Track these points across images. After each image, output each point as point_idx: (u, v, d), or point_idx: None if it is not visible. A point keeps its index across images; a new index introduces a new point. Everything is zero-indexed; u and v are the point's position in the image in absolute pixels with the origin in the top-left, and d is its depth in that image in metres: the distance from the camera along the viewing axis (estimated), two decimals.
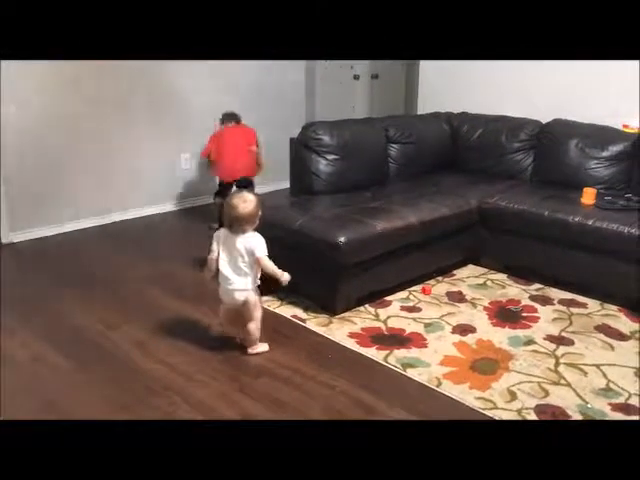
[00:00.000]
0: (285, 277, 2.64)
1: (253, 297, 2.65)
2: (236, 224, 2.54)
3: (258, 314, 2.69)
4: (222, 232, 2.62)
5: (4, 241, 4.11)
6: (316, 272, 3.08)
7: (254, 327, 2.68)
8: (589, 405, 2.35)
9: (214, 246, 2.62)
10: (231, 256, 2.58)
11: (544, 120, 4.08)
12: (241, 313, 2.67)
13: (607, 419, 2.28)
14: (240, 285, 2.59)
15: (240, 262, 2.57)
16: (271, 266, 2.60)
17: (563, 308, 3.21)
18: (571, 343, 2.84)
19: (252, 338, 2.71)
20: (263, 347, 2.74)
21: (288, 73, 5.62)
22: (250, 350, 2.72)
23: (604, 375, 2.57)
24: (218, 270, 2.62)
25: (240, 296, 2.61)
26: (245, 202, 2.53)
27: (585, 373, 2.59)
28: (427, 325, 3.00)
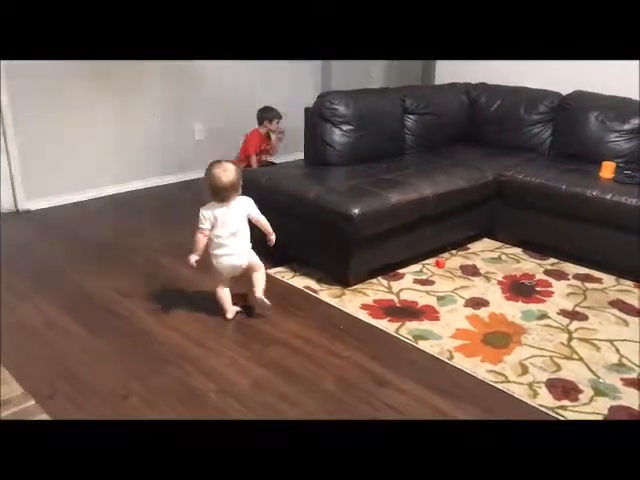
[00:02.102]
0: (273, 237, 2.74)
1: (254, 257, 2.73)
2: (222, 193, 2.58)
3: (262, 268, 2.76)
4: (210, 207, 2.63)
5: (20, 209, 4.14)
6: (329, 244, 3.07)
7: (261, 274, 2.75)
8: (601, 380, 2.35)
9: (204, 223, 2.62)
10: (228, 225, 2.62)
11: (564, 92, 4.00)
12: (245, 276, 2.74)
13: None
14: (242, 249, 2.67)
15: (238, 228, 2.64)
16: (265, 222, 2.72)
17: (578, 283, 3.19)
18: (585, 318, 2.83)
19: (262, 285, 2.74)
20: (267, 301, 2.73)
21: None
22: (260, 295, 2.71)
23: (617, 350, 2.56)
24: (208, 247, 2.67)
25: (243, 260, 2.68)
26: (226, 171, 2.57)
27: (598, 348, 2.58)
28: (440, 298, 2.99)
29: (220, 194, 2.58)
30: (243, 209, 2.64)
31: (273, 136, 4.75)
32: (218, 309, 2.79)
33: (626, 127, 3.64)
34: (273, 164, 4.60)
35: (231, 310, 2.78)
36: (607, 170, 3.41)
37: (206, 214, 2.62)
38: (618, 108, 3.70)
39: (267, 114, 4.72)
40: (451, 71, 4.67)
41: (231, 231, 2.62)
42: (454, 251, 3.57)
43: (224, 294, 2.77)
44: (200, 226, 2.63)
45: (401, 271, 3.27)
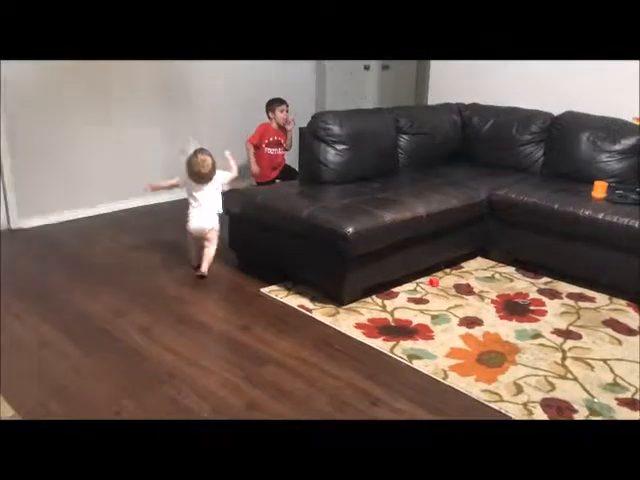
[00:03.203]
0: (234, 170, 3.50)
1: (216, 225, 3.38)
2: (201, 180, 3.30)
3: (216, 241, 3.39)
4: (190, 181, 3.33)
5: (13, 227, 4.13)
6: (323, 262, 3.07)
7: (213, 251, 3.39)
8: (596, 400, 2.34)
9: (178, 180, 3.42)
10: (201, 198, 3.33)
11: (556, 112, 4.04)
12: (205, 239, 3.37)
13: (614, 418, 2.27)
14: (205, 218, 3.34)
15: (205, 203, 3.34)
16: (233, 175, 3.48)
17: (571, 302, 3.20)
18: (579, 337, 2.83)
19: (209, 260, 3.37)
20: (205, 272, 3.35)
21: (299, 63, 5.59)
22: (203, 270, 3.33)
23: (611, 370, 2.56)
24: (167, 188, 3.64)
25: (208, 224, 3.34)
26: (204, 162, 3.25)
27: (592, 367, 2.58)
28: (434, 317, 2.99)
29: (194, 178, 3.30)
30: (214, 186, 3.34)
31: (288, 128, 4.70)
32: (211, 327, 2.79)
33: (617, 147, 3.67)
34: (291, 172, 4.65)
35: (193, 258, 3.47)
36: (599, 190, 3.44)
37: (183, 180, 3.37)
38: (609, 129, 3.74)
39: (269, 105, 4.67)
40: (444, 91, 4.72)
41: (200, 204, 3.34)
42: (448, 270, 3.58)
43: (190, 246, 3.50)
44: (176, 178, 3.43)
45: (395, 290, 3.27)
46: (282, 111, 4.65)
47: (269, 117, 4.69)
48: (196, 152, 3.27)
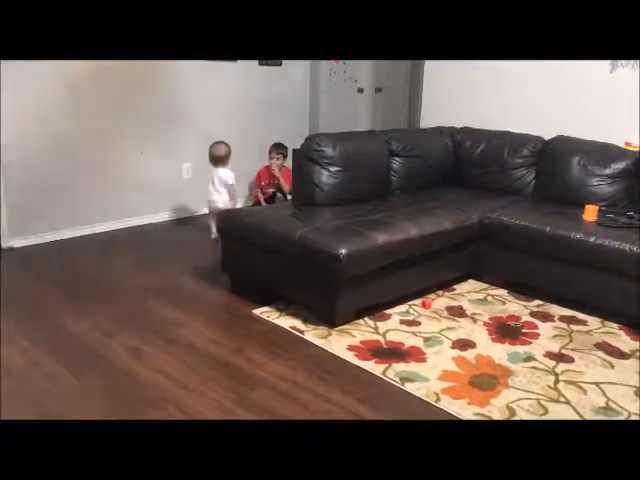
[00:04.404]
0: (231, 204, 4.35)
1: (227, 205, 4.25)
2: (217, 161, 4.30)
3: None
4: (213, 171, 4.30)
5: (4, 246, 4.10)
6: (316, 283, 3.06)
7: None
8: None
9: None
10: (215, 181, 4.28)
11: (547, 136, 4.09)
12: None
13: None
14: (218, 198, 4.29)
15: (218, 185, 4.30)
16: (231, 193, 4.35)
17: (563, 325, 3.20)
18: (571, 360, 2.83)
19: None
20: None
21: (292, 86, 5.64)
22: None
23: (604, 393, 2.56)
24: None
25: (218, 205, 4.23)
26: (219, 149, 4.31)
27: (584, 391, 2.57)
28: (426, 339, 2.98)
29: (212, 161, 4.30)
30: (225, 176, 4.26)
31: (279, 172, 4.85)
32: (202, 350, 2.77)
33: (607, 171, 3.71)
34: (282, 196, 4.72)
35: (213, 232, 4.22)
36: (590, 213, 3.46)
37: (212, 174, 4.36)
38: (599, 153, 3.78)
39: (270, 150, 4.77)
40: (436, 115, 4.77)
41: (215, 185, 4.29)
42: (440, 292, 3.58)
43: (210, 221, 4.32)
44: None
45: (388, 311, 3.27)
46: (276, 158, 4.73)
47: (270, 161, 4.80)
48: (216, 142, 4.31)
